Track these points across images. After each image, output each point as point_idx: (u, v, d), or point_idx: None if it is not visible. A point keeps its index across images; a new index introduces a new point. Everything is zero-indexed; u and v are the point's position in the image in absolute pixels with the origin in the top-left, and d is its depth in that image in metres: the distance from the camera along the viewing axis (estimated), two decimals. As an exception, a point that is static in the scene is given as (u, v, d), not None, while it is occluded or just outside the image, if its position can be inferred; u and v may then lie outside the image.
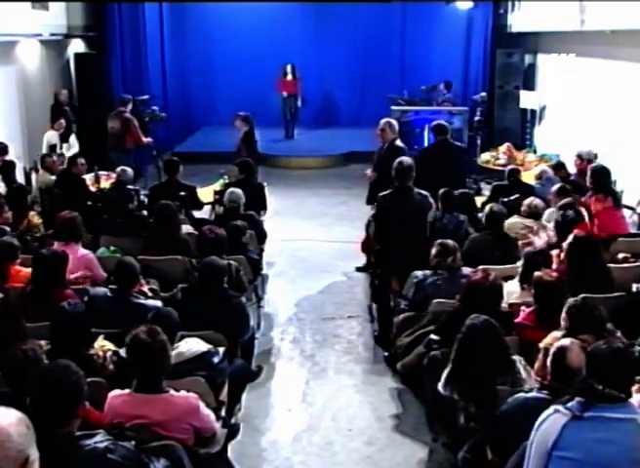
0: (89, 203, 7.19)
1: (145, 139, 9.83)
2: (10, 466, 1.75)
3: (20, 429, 1.82)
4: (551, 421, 2.77)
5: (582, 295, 3.98)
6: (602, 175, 6.41)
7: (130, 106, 9.81)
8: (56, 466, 2.40)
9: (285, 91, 14.33)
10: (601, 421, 2.70)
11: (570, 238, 4.87)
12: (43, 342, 3.85)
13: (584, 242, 4.81)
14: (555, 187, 6.59)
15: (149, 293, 4.69)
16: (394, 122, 7.38)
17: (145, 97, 12.00)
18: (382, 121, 7.31)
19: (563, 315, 3.78)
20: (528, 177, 8.14)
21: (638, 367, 2.89)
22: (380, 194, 5.87)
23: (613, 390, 2.70)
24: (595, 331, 3.58)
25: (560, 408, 2.77)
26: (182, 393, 3.40)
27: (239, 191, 6.64)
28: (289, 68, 14.17)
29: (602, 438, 2.69)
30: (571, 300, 3.82)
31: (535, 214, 6.15)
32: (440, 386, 3.79)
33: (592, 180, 6.37)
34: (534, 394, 3.29)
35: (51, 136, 9.57)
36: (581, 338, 3.52)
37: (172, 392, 3.36)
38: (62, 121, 9.80)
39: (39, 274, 4.50)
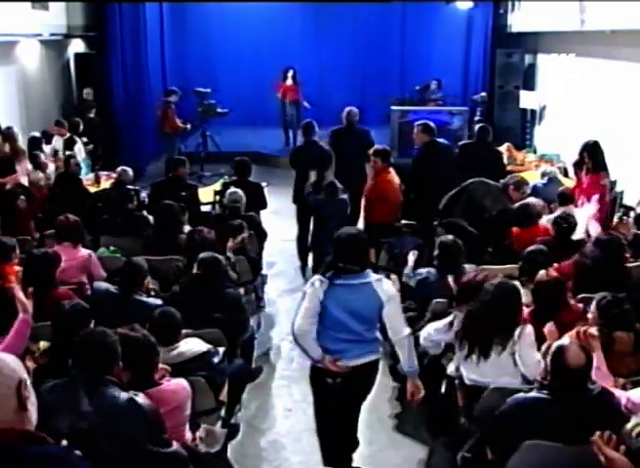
0: (87, 203, 7.18)
1: (181, 125, 11.09)
2: (10, 387, 1.91)
3: (10, 357, 2.00)
4: (317, 286, 3.73)
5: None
6: (600, 152, 6.14)
7: (174, 97, 11.11)
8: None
9: (285, 97, 13.82)
10: (348, 287, 3.73)
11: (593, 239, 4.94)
12: (43, 342, 3.86)
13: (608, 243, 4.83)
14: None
15: (152, 292, 4.69)
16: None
17: (207, 90, 12.56)
18: None
19: (592, 309, 3.83)
20: (529, 177, 8.13)
21: (367, 245, 4.02)
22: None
23: (349, 265, 3.71)
24: (627, 325, 3.62)
25: (320, 277, 3.75)
26: (173, 381, 3.39)
27: (240, 191, 6.61)
28: (290, 73, 13.67)
29: (350, 297, 3.73)
30: (600, 294, 3.90)
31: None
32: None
33: (591, 157, 6.08)
34: (533, 394, 3.29)
35: (55, 143, 9.36)
36: (618, 336, 3.58)
37: (164, 383, 3.35)
38: (65, 129, 9.63)
39: (30, 274, 4.49)
